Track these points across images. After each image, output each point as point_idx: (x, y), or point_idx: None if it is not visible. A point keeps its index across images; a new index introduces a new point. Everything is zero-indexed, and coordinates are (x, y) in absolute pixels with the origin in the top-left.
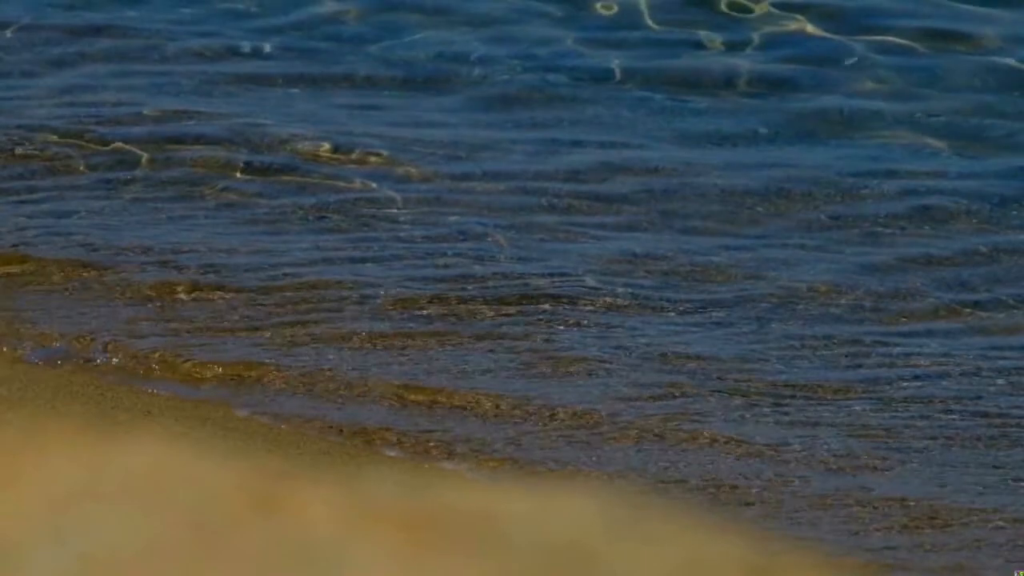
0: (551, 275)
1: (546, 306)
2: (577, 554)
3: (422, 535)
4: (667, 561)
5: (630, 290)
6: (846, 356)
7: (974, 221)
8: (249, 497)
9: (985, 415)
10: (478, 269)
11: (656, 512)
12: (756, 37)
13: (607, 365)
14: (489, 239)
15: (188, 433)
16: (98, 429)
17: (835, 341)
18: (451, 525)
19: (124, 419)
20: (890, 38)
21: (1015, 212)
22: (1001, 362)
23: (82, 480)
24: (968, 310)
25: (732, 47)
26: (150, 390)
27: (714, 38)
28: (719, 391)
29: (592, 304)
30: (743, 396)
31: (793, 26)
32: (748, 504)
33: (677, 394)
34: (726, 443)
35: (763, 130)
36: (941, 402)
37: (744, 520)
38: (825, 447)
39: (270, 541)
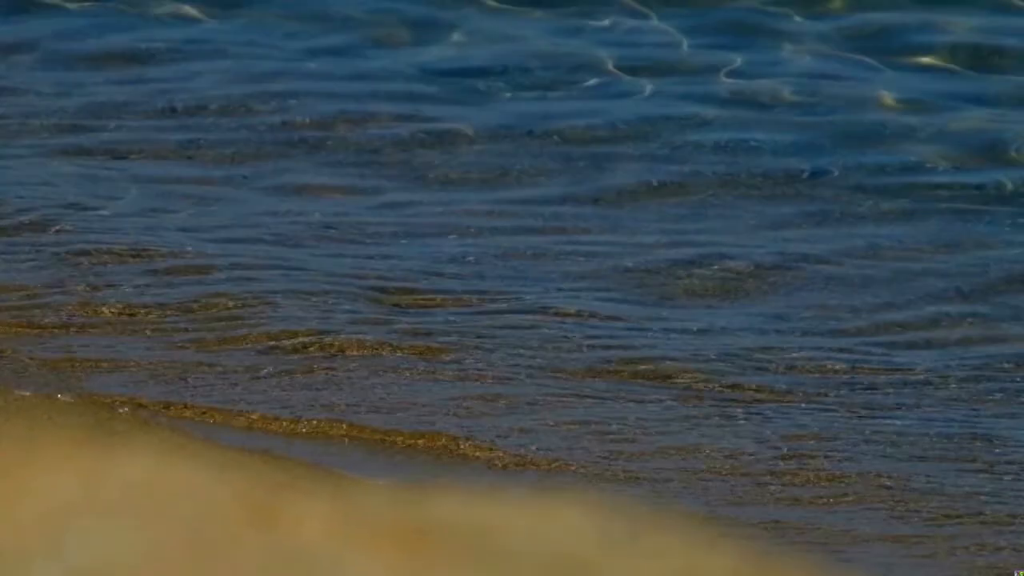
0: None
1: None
2: (574, 566)
3: (419, 548)
4: (662, 572)
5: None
6: (839, 368)
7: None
8: (246, 509)
9: (975, 423)
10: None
11: (651, 524)
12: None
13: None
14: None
15: (185, 444)
16: (95, 440)
17: (832, 353)
18: (448, 538)
19: (121, 430)
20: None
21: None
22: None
23: (79, 492)
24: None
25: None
26: (146, 401)
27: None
28: (714, 401)
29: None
30: (733, 407)
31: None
32: (741, 517)
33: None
34: (717, 456)
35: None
36: (936, 413)
37: (738, 533)
38: (815, 460)
39: (267, 554)
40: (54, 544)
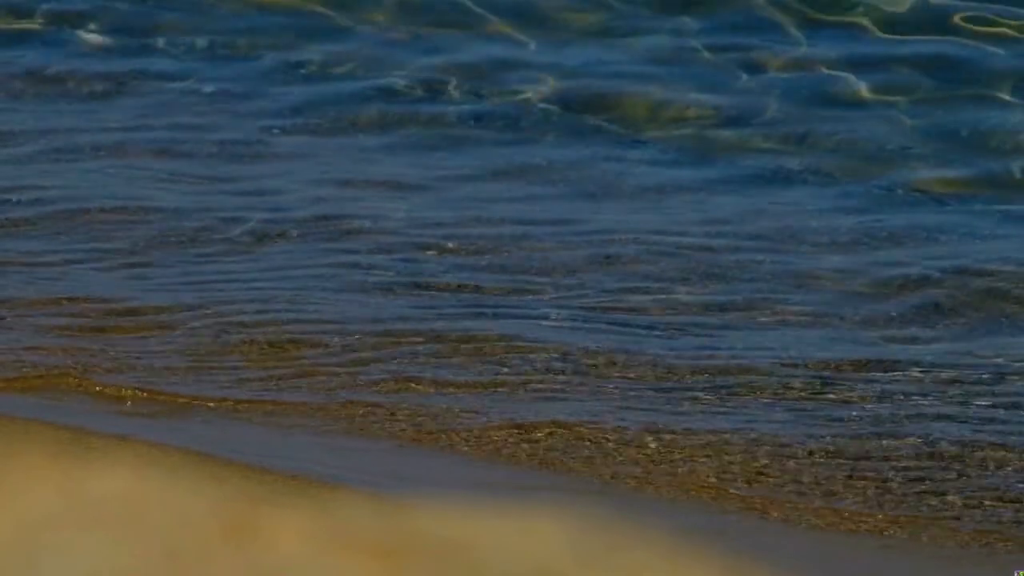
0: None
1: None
2: None
3: (397, 561)
4: None
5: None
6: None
7: None
8: (223, 524)
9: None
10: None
11: (628, 538)
12: None
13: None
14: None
15: (163, 459)
16: (72, 454)
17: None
18: (426, 551)
19: (98, 444)
20: None
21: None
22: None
23: (56, 506)
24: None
25: None
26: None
27: None
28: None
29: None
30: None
31: None
32: (720, 531)
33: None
34: (701, 471)
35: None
36: (925, 427)
37: (715, 547)
38: (800, 470)
39: (244, 567)
40: (31, 556)
